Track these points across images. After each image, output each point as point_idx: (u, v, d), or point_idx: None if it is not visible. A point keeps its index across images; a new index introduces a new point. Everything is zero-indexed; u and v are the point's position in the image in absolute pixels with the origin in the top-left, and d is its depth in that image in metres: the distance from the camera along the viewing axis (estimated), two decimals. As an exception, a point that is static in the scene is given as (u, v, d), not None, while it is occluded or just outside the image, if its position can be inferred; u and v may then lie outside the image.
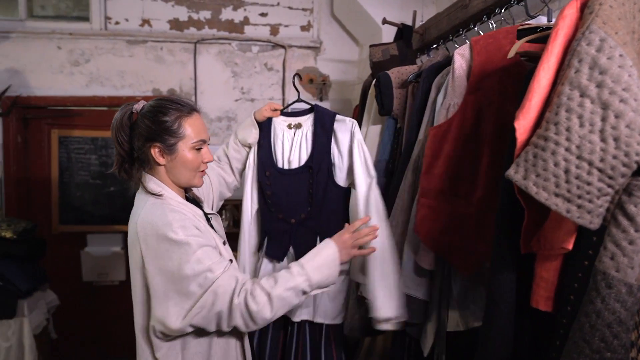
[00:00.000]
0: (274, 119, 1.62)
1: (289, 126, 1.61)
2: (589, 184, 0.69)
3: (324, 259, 1.27)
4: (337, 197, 1.56)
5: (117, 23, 3.11)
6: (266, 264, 1.61)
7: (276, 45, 3.24)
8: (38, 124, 3.16)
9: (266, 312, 1.17)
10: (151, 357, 1.22)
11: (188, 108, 1.26)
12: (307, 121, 1.59)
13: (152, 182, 1.26)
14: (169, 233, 1.15)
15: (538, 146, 0.74)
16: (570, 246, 0.76)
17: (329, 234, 1.36)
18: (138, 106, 1.27)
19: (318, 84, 3.28)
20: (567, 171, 0.70)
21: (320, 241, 1.36)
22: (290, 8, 3.25)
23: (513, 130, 0.78)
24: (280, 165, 1.60)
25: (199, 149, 1.27)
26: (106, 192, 3.27)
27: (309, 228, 1.55)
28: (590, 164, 0.68)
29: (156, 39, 3.12)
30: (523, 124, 0.78)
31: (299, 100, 1.68)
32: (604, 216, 0.72)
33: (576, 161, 0.69)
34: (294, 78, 1.75)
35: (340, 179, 1.56)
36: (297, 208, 1.58)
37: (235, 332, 1.28)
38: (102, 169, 3.25)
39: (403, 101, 1.60)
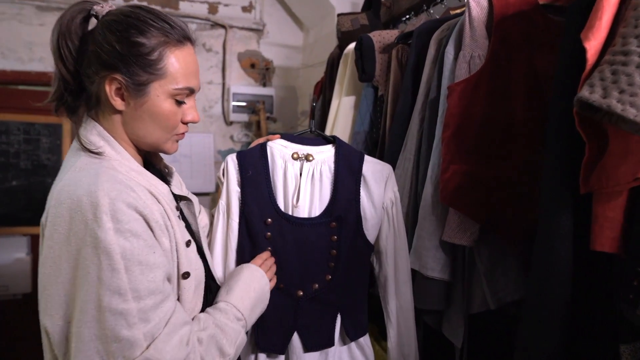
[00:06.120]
0: (270, 144, 1.14)
1: (294, 156, 1.13)
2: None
3: (258, 295, 1.00)
4: (365, 261, 1.15)
5: (23, -14, 2.65)
6: None
7: (215, 25, 3.00)
8: None
9: None
10: None
11: (180, 33, 0.85)
12: (322, 154, 1.14)
13: (92, 132, 0.85)
14: (91, 223, 0.73)
15: (616, 62, 0.67)
16: (645, 176, 0.70)
17: (355, 312, 1.11)
18: (101, 9, 0.85)
19: (261, 69, 3.10)
20: (659, 85, 0.63)
21: (343, 323, 1.11)
22: (229, -14, 3.05)
23: (583, 51, 0.71)
24: (283, 210, 1.11)
25: (180, 102, 0.87)
26: (6, 187, 2.75)
27: (325, 304, 1.11)
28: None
29: (74, 8, 2.72)
30: (594, 44, 0.71)
31: (312, 131, 1.23)
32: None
33: (669, 73, 0.63)
34: (312, 102, 1.34)
35: (371, 235, 1.14)
36: (310, 275, 1.11)
37: None
38: (1, 159, 2.73)
39: (385, 67, 1.50)
